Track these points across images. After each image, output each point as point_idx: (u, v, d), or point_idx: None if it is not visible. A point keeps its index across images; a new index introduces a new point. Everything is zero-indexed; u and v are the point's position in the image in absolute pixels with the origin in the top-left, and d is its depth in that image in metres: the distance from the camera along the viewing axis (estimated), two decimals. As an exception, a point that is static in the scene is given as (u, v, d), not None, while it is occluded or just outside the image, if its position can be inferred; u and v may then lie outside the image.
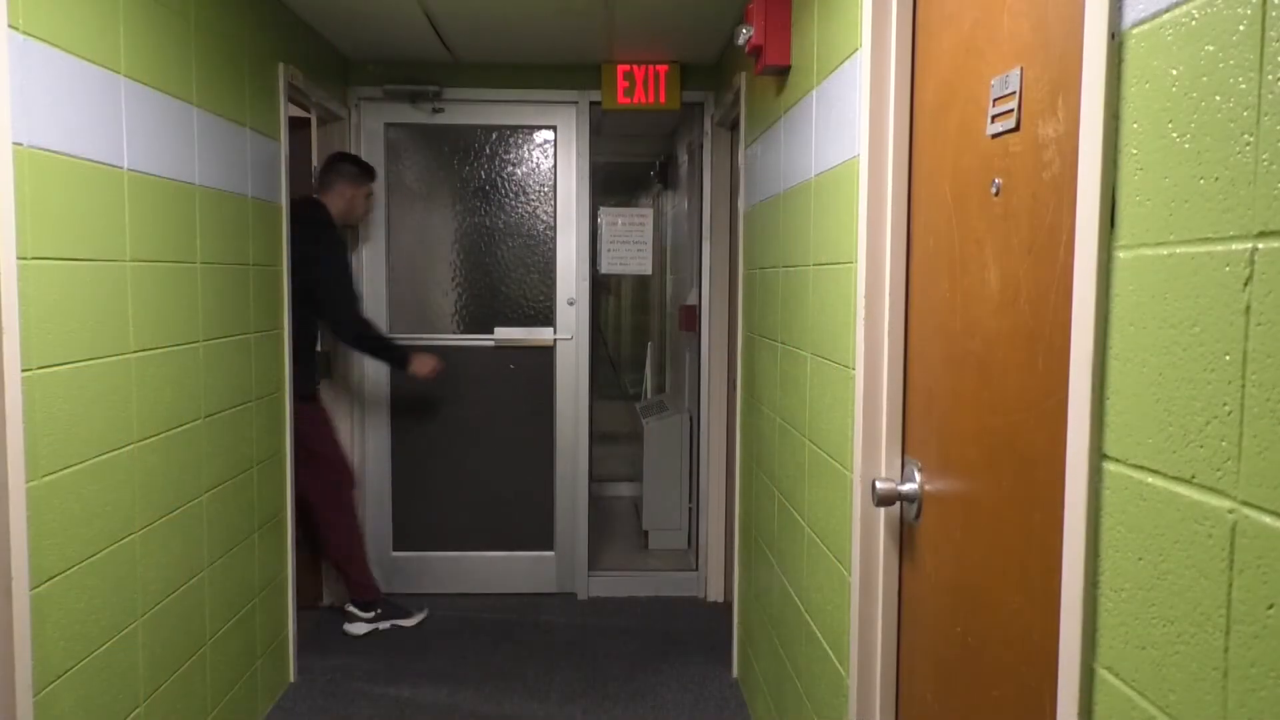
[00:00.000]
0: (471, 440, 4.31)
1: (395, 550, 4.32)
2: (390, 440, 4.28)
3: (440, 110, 4.18)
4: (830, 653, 2.13)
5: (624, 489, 5.94)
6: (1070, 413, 1.05)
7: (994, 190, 1.39)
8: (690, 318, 4.44)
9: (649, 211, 4.47)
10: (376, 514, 4.29)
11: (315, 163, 3.97)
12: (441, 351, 4.13)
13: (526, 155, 4.28)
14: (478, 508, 4.32)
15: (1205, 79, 0.86)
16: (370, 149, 4.16)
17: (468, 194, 4.28)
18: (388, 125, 4.20)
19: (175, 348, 2.44)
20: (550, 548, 4.34)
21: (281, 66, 3.17)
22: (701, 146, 4.26)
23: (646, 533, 4.77)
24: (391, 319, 4.24)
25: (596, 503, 5.49)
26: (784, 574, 2.63)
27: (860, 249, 1.85)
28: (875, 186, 1.81)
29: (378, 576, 4.19)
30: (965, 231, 1.50)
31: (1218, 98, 0.85)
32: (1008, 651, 1.35)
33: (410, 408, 4.26)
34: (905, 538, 1.79)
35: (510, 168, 4.27)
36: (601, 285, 7.33)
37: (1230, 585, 0.82)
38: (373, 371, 4.22)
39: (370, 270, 4.19)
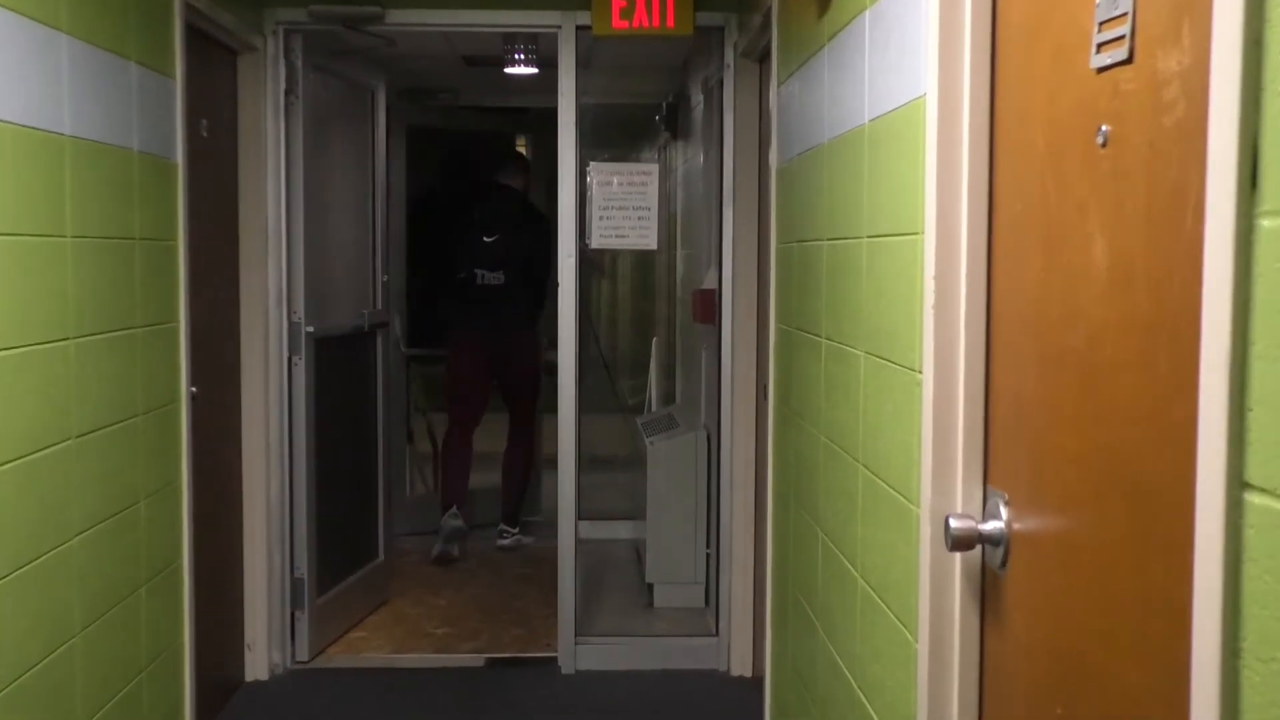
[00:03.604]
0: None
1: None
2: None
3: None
4: (890, 742, 2.13)
5: (621, 530, 5.95)
6: (1201, 428, 1.05)
7: (1100, 140, 1.39)
8: (707, 306, 4.44)
9: (653, 168, 4.49)
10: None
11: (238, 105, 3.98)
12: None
13: (494, 96, 4.30)
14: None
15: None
16: (292, 88, 4.16)
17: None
18: (314, 59, 4.20)
19: (35, 347, 2.44)
20: (526, 606, 4.35)
21: (176, -18, 3.18)
22: (721, 84, 4.26)
23: (651, 586, 4.78)
24: (309, 296, 4.25)
25: (586, 547, 5.49)
26: (830, 640, 2.63)
27: (929, 217, 1.85)
28: (947, 135, 1.81)
29: None
30: (1063, 194, 1.50)
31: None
32: (1121, 740, 1.35)
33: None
34: (988, 591, 1.79)
35: (473, 112, 4.28)
36: (592, 263, 7.33)
37: None
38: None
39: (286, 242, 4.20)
